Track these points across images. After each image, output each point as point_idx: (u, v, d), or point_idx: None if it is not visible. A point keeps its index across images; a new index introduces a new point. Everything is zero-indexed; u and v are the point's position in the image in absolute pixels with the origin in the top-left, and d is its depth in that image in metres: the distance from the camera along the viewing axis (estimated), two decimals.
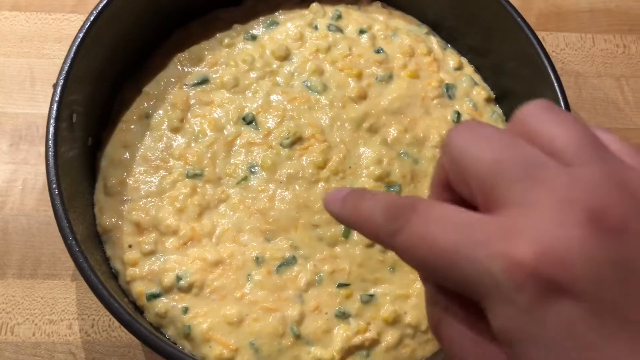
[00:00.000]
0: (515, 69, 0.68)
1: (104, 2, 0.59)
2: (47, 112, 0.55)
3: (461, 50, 0.73)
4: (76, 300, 0.63)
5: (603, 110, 0.78)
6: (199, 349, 0.57)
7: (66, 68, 0.56)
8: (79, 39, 0.57)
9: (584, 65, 0.80)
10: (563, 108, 0.60)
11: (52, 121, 0.54)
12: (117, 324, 0.63)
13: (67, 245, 0.50)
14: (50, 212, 0.65)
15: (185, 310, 0.58)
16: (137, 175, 0.62)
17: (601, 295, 0.22)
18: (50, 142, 0.53)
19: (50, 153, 0.52)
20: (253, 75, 0.67)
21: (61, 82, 0.55)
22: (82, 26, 0.58)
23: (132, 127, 0.64)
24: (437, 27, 0.74)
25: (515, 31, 0.65)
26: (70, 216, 0.51)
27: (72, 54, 0.56)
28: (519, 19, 0.64)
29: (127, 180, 0.62)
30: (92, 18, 0.58)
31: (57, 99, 0.55)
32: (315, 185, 0.63)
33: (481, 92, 0.70)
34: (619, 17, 0.84)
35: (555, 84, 0.61)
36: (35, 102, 0.71)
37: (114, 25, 0.61)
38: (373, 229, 0.28)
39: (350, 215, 0.30)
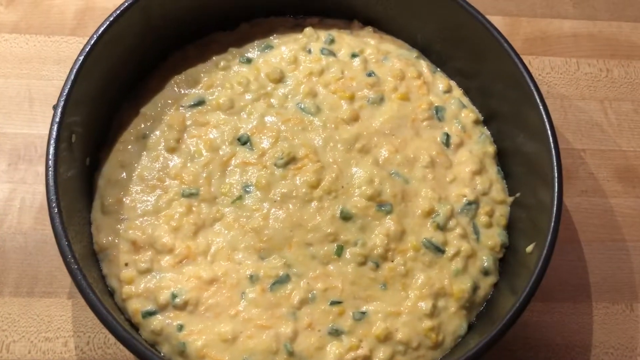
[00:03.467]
0: (502, 92, 0.70)
1: (104, 27, 0.61)
2: (45, 132, 0.56)
3: (450, 74, 0.76)
4: (72, 317, 0.64)
5: (587, 132, 0.81)
6: None
7: (67, 90, 0.57)
8: (80, 62, 0.59)
9: (569, 88, 0.83)
10: (548, 130, 0.62)
11: (52, 142, 0.55)
12: (112, 341, 0.63)
13: (66, 264, 0.51)
14: (47, 231, 0.67)
15: (180, 327, 0.58)
16: (133, 195, 0.63)
17: None
18: (50, 162, 0.54)
19: (50, 173, 0.54)
20: (248, 97, 0.69)
21: (62, 103, 0.57)
22: (83, 49, 0.59)
23: (129, 147, 0.66)
24: (426, 51, 0.76)
25: (501, 55, 0.67)
26: (69, 235, 0.52)
27: (72, 76, 0.58)
28: (505, 44, 0.67)
29: (124, 200, 0.63)
30: (92, 41, 0.60)
31: (57, 120, 0.56)
32: (308, 204, 0.64)
33: (470, 114, 0.72)
34: (601, 42, 0.87)
35: (541, 107, 0.63)
36: (33, 123, 0.73)
37: (113, 48, 0.63)
38: None
39: None
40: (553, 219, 0.58)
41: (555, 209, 0.58)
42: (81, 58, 0.59)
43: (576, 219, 0.75)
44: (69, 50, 0.78)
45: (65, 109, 0.57)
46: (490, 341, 0.54)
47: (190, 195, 0.64)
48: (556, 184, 0.60)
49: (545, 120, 0.63)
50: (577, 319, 0.70)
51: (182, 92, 0.69)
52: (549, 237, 0.57)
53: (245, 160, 0.66)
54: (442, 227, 0.65)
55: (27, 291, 0.65)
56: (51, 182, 0.53)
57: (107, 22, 0.61)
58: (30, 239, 0.67)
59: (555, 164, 0.61)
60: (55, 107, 0.57)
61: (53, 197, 0.52)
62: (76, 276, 0.51)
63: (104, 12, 0.68)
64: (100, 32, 0.61)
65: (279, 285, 0.61)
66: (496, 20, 0.68)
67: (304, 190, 0.64)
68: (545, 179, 0.62)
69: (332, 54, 0.73)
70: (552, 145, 0.62)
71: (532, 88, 0.64)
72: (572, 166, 0.77)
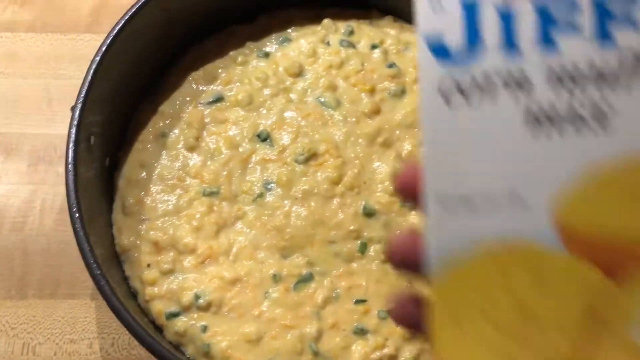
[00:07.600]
0: None
1: (120, 25, 0.60)
2: (64, 132, 0.55)
3: None
4: (96, 319, 0.64)
5: None
6: None
7: (84, 91, 0.57)
8: (96, 62, 0.58)
9: None
10: None
11: (71, 144, 0.54)
12: (136, 342, 0.63)
13: (88, 268, 0.51)
14: (69, 232, 0.66)
15: (205, 328, 0.58)
16: (154, 195, 0.63)
17: None
18: (70, 165, 0.53)
19: (70, 176, 0.53)
20: (267, 92, 0.68)
21: (79, 104, 0.56)
22: (99, 49, 0.59)
23: (148, 146, 0.65)
24: None
25: None
26: (91, 238, 0.52)
27: (89, 77, 0.57)
28: None
29: (145, 200, 0.63)
30: (108, 41, 0.59)
31: (75, 122, 0.55)
32: (330, 201, 0.63)
33: None
34: None
35: None
36: (52, 123, 0.72)
37: (131, 46, 0.62)
38: None
39: None
40: None
41: None
42: (98, 58, 0.58)
43: None
44: (85, 48, 0.77)
45: (83, 110, 0.56)
46: None
47: (211, 194, 0.63)
48: None
49: None
50: None
51: (200, 88, 0.68)
52: None
53: (266, 157, 0.65)
54: None
55: (50, 293, 0.65)
56: (71, 186, 0.53)
57: (124, 20, 0.60)
58: (52, 241, 0.67)
59: None
60: (73, 109, 0.56)
61: (74, 202, 0.52)
62: (99, 281, 0.50)
63: (119, 8, 0.67)
64: (116, 30, 0.60)
65: (303, 284, 0.60)
66: None
67: (325, 186, 0.63)
68: None
69: (352, 45, 0.71)
70: None
71: None
72: None
